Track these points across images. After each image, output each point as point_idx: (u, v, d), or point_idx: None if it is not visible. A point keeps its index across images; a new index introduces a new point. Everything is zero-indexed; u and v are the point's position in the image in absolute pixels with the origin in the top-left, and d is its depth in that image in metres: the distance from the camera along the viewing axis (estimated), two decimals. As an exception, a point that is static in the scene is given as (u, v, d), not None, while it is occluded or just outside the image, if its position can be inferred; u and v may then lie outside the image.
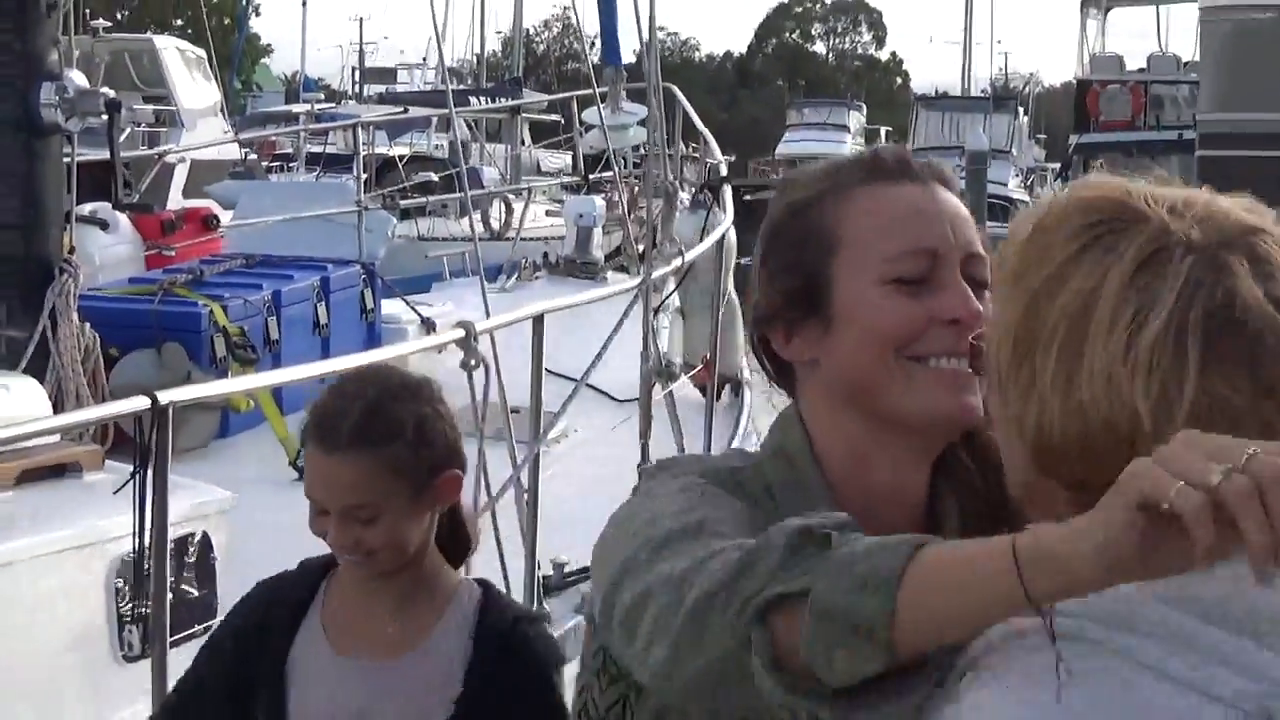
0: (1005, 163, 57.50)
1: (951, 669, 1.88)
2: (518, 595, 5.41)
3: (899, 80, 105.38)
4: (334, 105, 37.82)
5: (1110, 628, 1.80)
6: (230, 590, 5.24)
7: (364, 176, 14.56)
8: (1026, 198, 56.33)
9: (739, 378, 9.64)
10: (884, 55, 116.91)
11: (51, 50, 6.37)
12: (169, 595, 4.11)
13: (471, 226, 11.89)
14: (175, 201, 15.85)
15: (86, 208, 7.75)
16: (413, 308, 9.88)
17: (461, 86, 35.56)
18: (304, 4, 46.94)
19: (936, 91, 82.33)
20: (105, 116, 8.92)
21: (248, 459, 7.28)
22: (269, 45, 51.44)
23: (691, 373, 9.04)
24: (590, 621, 2.39)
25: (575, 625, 5.80)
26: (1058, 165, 51.23)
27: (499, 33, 54.57)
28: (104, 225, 8.86)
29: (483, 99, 30.76)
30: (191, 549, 5.08)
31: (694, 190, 11.33)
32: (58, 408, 5.69)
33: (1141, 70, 42.07)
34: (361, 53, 66.08)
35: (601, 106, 11.65)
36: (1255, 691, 1.77)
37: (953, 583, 1.87)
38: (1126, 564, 1.67)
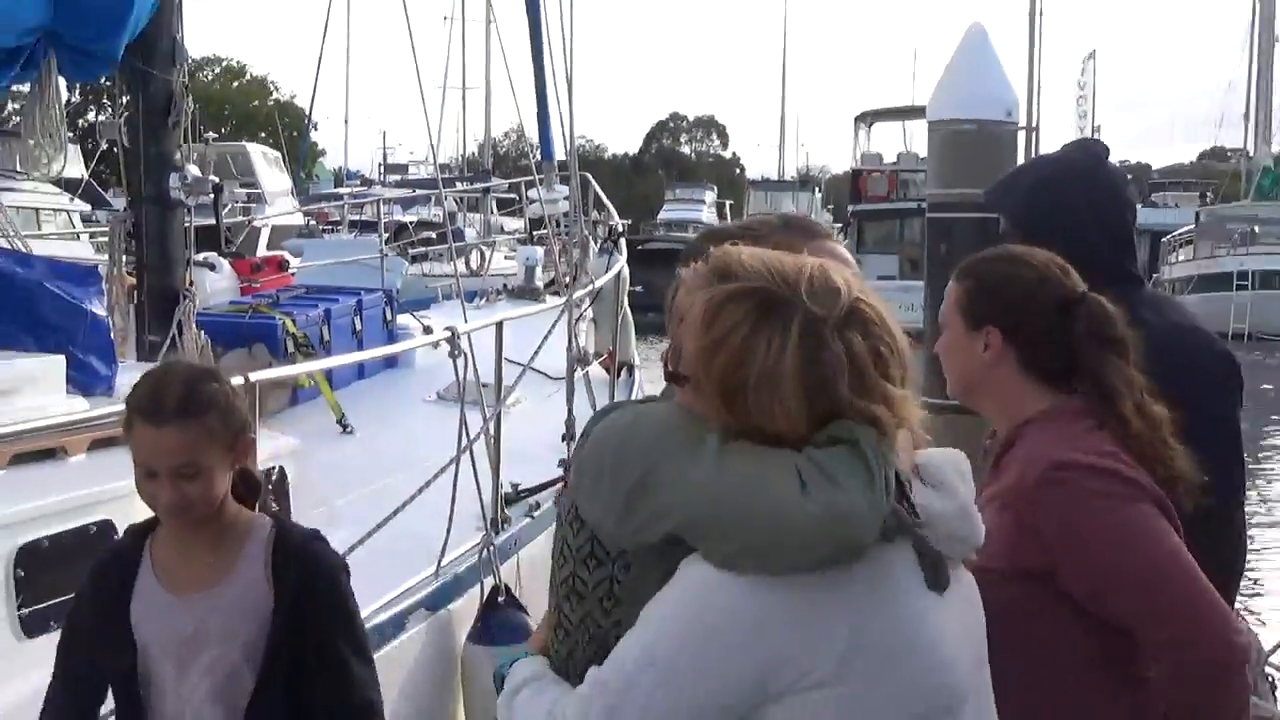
0: (807, 223, 57.60)
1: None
2: (488, 508, 5.47)
3: (738, 170, 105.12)
4: (366, 188, 37.49)
5: None
6: (298, 503, 5.29)
7: (385, 235, 14.53)
8: (822, 247, 56.52)
9: (631, 364, 9.66)
10: (728, 154, 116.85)
11: (176, 152, 6.37)
12: (255, 508, 4.13)
13: (455, 267, 11.95)
14: (260, 252, 15.74)
15: (200, 255, 7.72)
16: (418, 319, 9.89)
17: (449, 175, 35.42)
18: (346, 124, 46.81)
19: (762, 178, 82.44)
20: (212, 196, 8.94)
21: (308, 419, 7.26)
22: (323, 149, 51.17)
23: (600, 360, 9.12)
24: (577, 519, 2.17)
25: (525, 524, 5.86)
26: (841, 226, 51.29)
27: (476, 140, 54.15)
28: (212, 267, 8.80)
29: (464, 183, 30.79)
30: (273, 476, 5.10)
31: (601, 241, 11.37)
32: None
33: (894, 162, 42.19)
34: (384, 153, 65.84)
35: (540, 187, 11.72)
36: None
37: None
38: None
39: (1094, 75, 51.96)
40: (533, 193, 13.68)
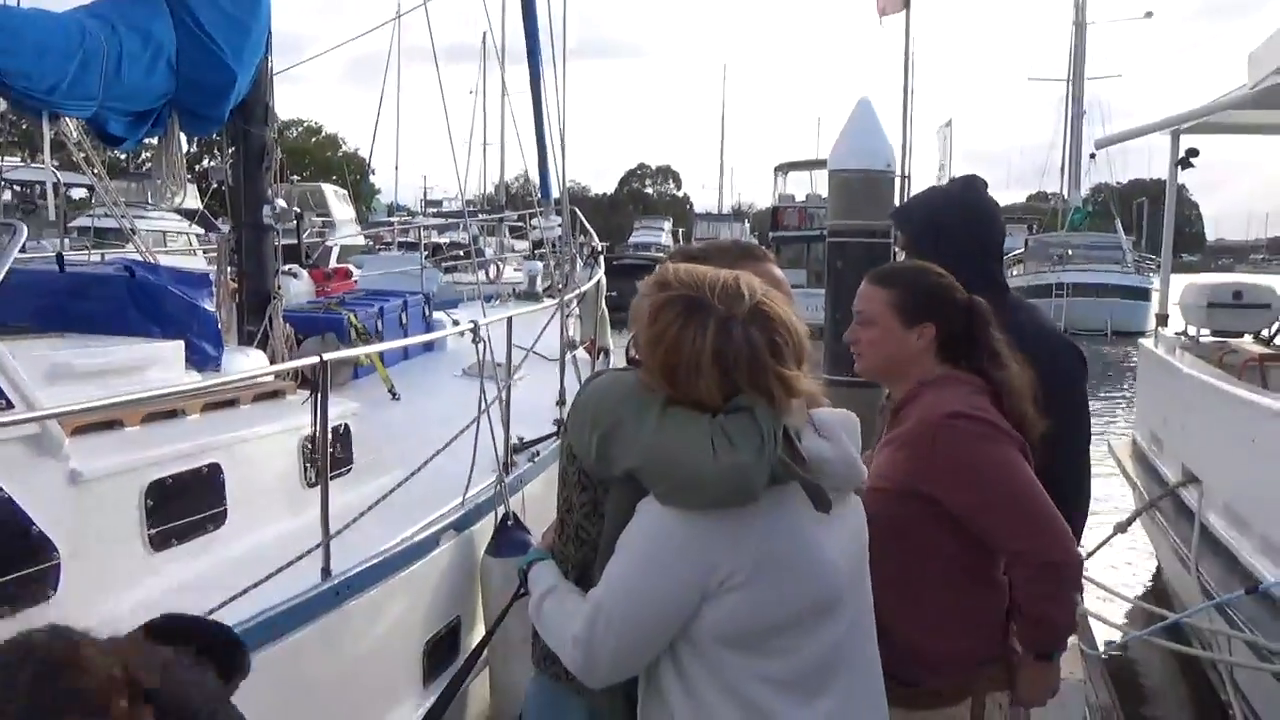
0: (739, 246, 57.57)
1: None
2: (501, 455, 5.46)
3: (688, 205, 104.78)
4: (410, 218, 37.31)
5: None
6: (358, 450, 5.29)
7: (424, 252, 14.48)
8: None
9: (607, 349, 9.64)
10: (680, 194, 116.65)
11: (268, 190, 6.34)
12: (328, 454, 4.13)
13: (477, 277, 11.93)
14: (331, 264, 15.64)
15: (286, 267, 7.68)
16: (449, 315, 9.87)
17: (473, 208, 35.21)
18: (396, 170, 46.69)
19: (705, 211, 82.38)
20: (295, 222, 8.90)
21: (366, 389, 7.23)
22: (379, 189, 50.94)
23: (584, 345, 9.11)
24: (570, 455, 2.27)
25: (528, 466, 5.86)
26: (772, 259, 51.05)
27: (494, 182, 54.12)
28: (295, 275, 8.76)
29: (484, 214, 30.67)
30: (340, 432, 5.10)
31: (585, 258, 11.34)
32: (274, 364, 5.69)
33: (804, 201, 42.17)
34: (425, 192, 65.53)
35: (540, 218, 11.69)
36: None
37: None
38: None
39: (950, 137, 51.96)
40: (535, 221, 13.65)
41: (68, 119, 4.96)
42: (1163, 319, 9.31)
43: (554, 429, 6.51)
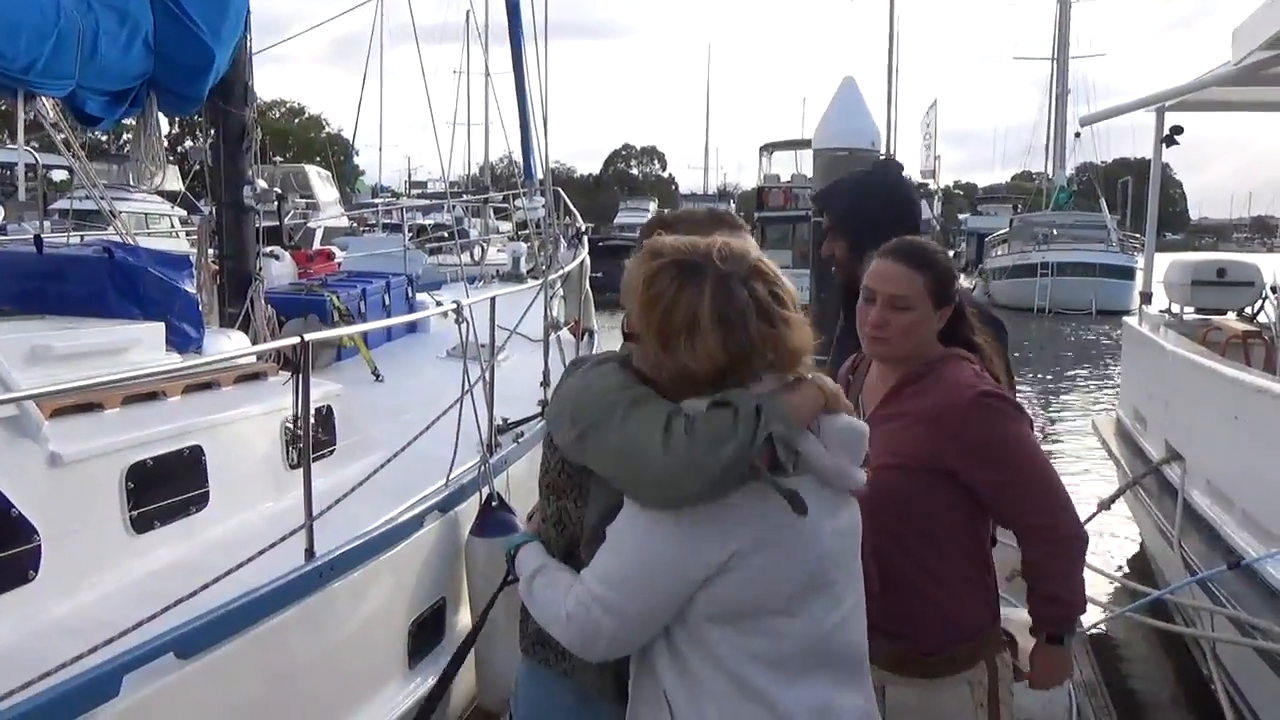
0: (724, 226, 57.63)
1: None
2: (485, 436, 5.45)
3: (673, 186, 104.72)
4: (394, 199, 37.19)
5: None
6: (342, 432, 5.27)
7: (408, 234, 14.42)
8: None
9: (591, 329, 9.63)
10: (666, 174, 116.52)
11: (248, 170, 6.29)
12: (310, 436, 4.11)
13: (460, 258, 11.88)
14: (315, 246, 15.58)
15: (267, 248, 7.63)
16: (432, 296, 9.83)
17: (457, 189, 35.09)
18: (380, 151, 46.48)
19: (691, 192, 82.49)
20: (276, 203, 8.85)
21: (350, 370, 7.21)
22: (363, 170, 50.69)
23: (568, 326, 9.10)
24: (551, 446, 2.31)
25: (513, 447, 5.84)
26: (749, 228, 51.14)
27: (478, 163, 53.94)
28: (276, 257, 8.70)
29: (468, 195, 30.56)
30: (322, 414, 5.08)
31: (569, 239, 11.31)
32: (255, 346, 5.66)
33: (789, 181, 42.10)
34: (409, 173, 65.28)
35: (524, 199, 11.65)
36: None
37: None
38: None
39: (935, 118, 51.96)
40: (519, 202, 13.61)
41: (44, 99, 4.90)
42: (1147, 297, 9.33)
43: (538, 410, 6.49)
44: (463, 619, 5.09)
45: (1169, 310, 9.38)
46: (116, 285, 4.73)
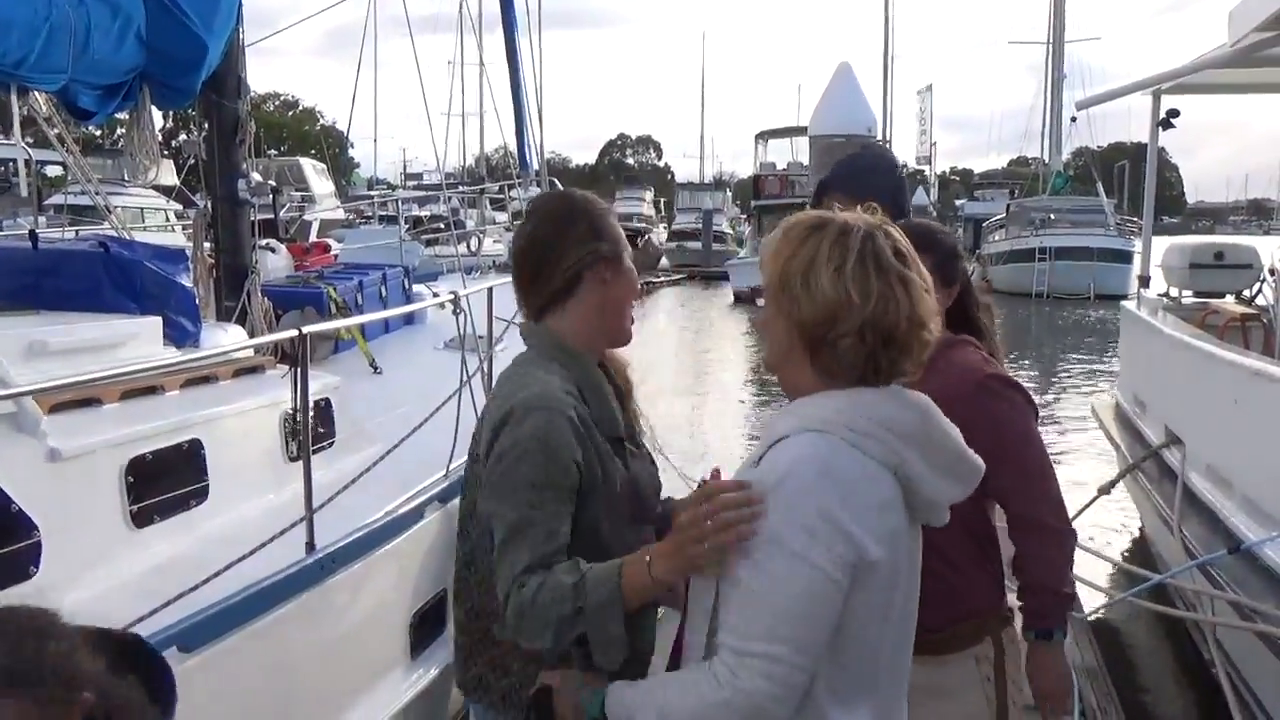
0: (721, 215, 57.72)
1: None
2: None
3: (669, 176, 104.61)
4: (390, 191, 37.14)
5: (844, 428, 1.86)
6: (340, 424, 5.27)
7: (404, 225, 14.40)
8: (729, 230, 56.67)
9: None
10: (662, 163, 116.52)
11: (243, 164, 6.28)
12: (309, 428, 4.11)
13: (457, 249, 11.87)
14: (310, 238, 15.56)
15: (263, 241, 7.62)
16: (429, 288, 9.80)
17: (453, 180, 35.07)
18: (375, 143, 46.36)
19: (687, 181, 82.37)
20: (271, 196, 8.83)
21: (347, 363, 7.21)
22: (358, 162, 50.64)
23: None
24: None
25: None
26: (745, 216, 51.13)
27: (473, 154, 53.89)
28: (272, 250, 8.69)
29: (464, 186, 30.53)
30: (321, 406, 5.08)
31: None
32: (253, 339, 5.66)
33: (784, 169, 42.08)
34: (405, 165, 65.12)
35: (520, 189, 11.63)
36: (892, 458, 1.89)
37: (633, 584, 2.03)
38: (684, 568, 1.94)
39: (931, 102, 51.94)
40: (515, 193, 13.59)
41: (36, 93, 4.89)
42: (1145, 281, 9.34)
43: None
44: (464, 610, 5.09)
45: (1167, 294, 9.38)
46: (113, 280, 4.72)
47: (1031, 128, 55.65)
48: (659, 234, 59.32)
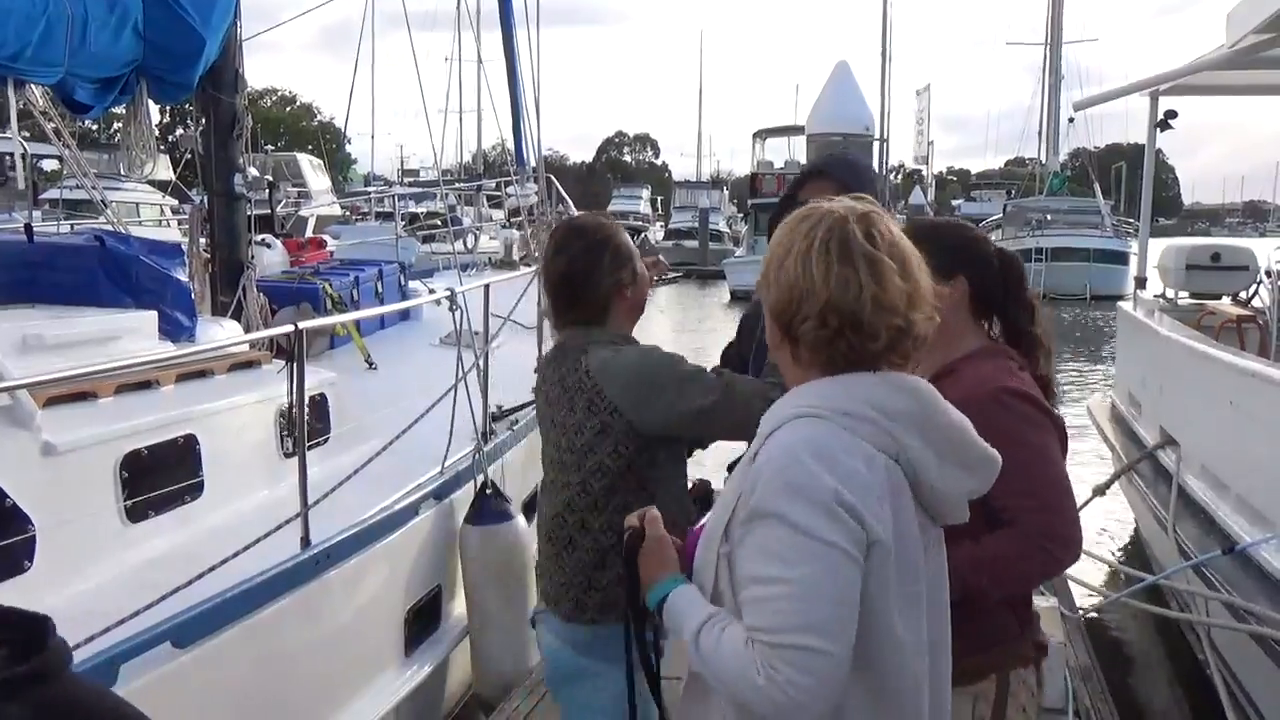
0: (718, 213, 57.64)
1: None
2: (479, 424, 5.44)
3: (666, 174, 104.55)
4: (387, 187, 37.09)
5: (836, 413, 1.81)
6: (336, 421, 5.26)
7: (400, 222, 14.38)
8: (726, 229, 56.73)
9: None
10: (659, 162, 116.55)
11: (239, 158, 6.28)
12: (305, 424, 4.11)
13: (453, 246, 11.87)
14: (307, 234, 15.55)
15: (259, 237, 7.61)
16: (425, 284, 9.80)
17: (449, 177, 35.08)
18: (372, 139, 46.26)
19: (684, 179, 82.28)
20: (267, 191, 8.82)
21: (343, 359, 7.20)
22: (355, 158, 50.61)
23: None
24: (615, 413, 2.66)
25: (507, 435, 5.84)
26: (742, 215, 51.12)
27: (470, 150, 53.90)
28: (268, 245, 8.69)
29: (460, 183, 30.48)
30: (316, 402, 5.07)
31: (563, 226, 11.30)
32: (248, 334, 5.65)
33: (782, 167, 42.07)
34: (401, 161, 64.98)
35: (516, 186, 11.63)
36: (890, 443, 1.83)
37: None
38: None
39: (928, 102, 52.00)
40: (511, 189, 13.59)
41: (33, 86, 4.89)
42: (1141, 282, 9.34)
43: (532, 397, 6.49)
44: (458, 607, 5.10)
45: (1163, 295, 9.39)
46: (108, 274, 4.71)
47: (1029, 128, 55.63)
48: (656, 232, 59.35)
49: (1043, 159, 50.91)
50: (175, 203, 19.06)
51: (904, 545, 1.82)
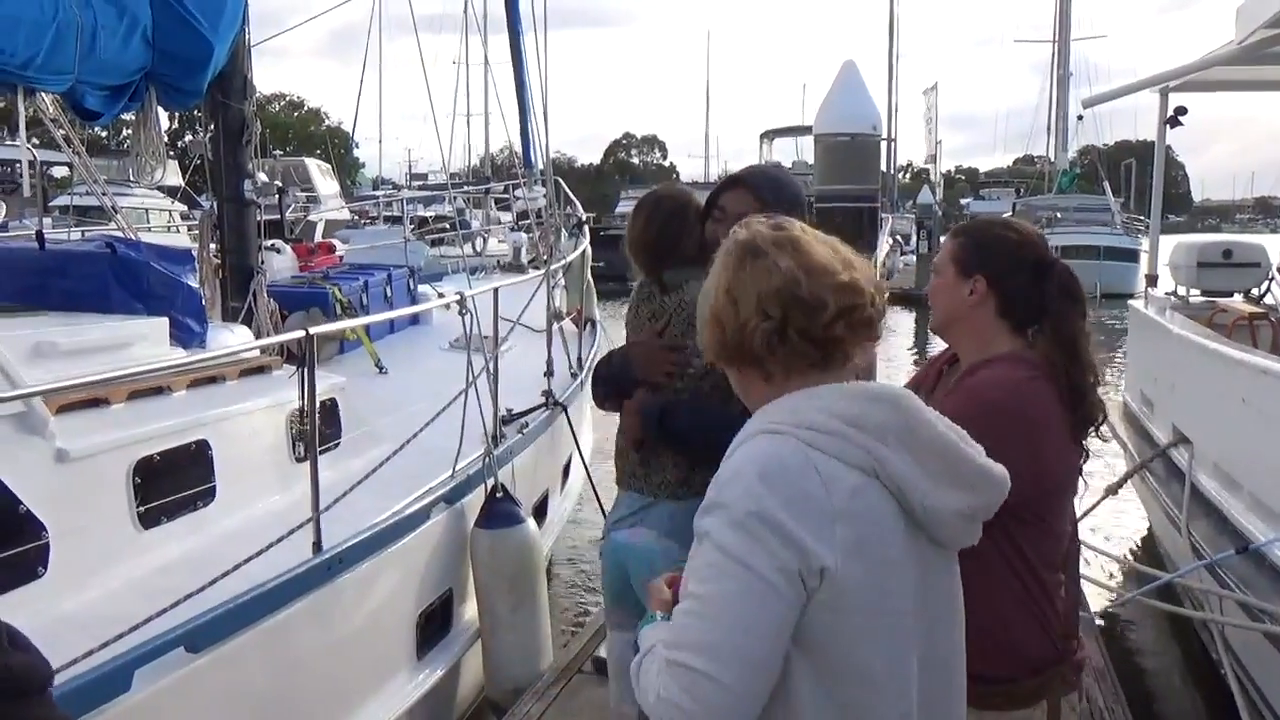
0: (726, 214, 57.44)
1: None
2: (489, 427, 5.45)
3: (674, 175, 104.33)
4: (395, 191, 37.12)
5: (799, 427, 1.70)
6: (347, 425, 5.28)
7: (409, 226, 14.42)
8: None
9: (593, 319, 9.61)
10: (667, 163, 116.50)
11: (249, 164, 6.29)
12: (316, 429, 4.11)
13: (462, 249, 11.89)
14: (316, 239, 15.58)
15: (269, 242, 7.63)
16: (434, 288, 9.82)
17: (458, 180, 35.05)
18: (380, 143, 46.32)
19: (692, 181, 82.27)
20: (277, 197, 8.84)
21: (353, 363, 7.22)
22: (363, 162, 50.73)
23: (570, 316, 9.09)
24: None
25: (517, 439, 5.84)
26: (751, 215, 50.86)
27: (478, 154, 53.96)
28: (278, 250, 8.70)
29: (469, 186, 30.52)
30: (327, 407, 5.08)
31: (570, 228, 11.31)
32: (259, 339, 5.66)
33: (790, 167, 42.00)
34: (410, 165, 65.03)
35: (525, 189, 11.64)
36: (864, 459, 1.71)
37: None
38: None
39: (936, 101, 51.86)
40: (519, 192, 13.61)
41: (43, 94, 4.91)
42: (1152, 279, 9.31)
43: (542, 400, 6.50)
44: (469, 610, 5.10)
45: (1174, 292, 9.35)
46: (119, 280, 4.73)
47: (1037, 126, 55.44)
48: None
49: (1051, 157, 50.79)
50: (185, 208, 19.16)
51: (878, 570, 1.70)
